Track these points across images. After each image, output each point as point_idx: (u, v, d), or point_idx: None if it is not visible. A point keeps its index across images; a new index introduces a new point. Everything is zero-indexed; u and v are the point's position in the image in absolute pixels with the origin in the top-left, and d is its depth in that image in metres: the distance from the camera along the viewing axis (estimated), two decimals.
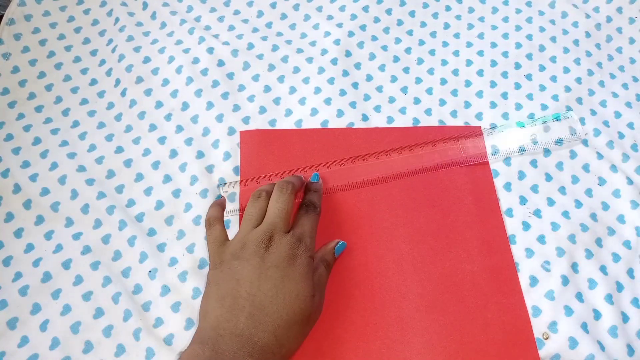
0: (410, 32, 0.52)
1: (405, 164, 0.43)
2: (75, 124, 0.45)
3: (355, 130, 0.45)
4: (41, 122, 0.45)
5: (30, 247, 0.39)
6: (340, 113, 0.46)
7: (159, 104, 0.46)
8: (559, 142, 0.44)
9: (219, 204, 0.41)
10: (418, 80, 0.49)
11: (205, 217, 0.40)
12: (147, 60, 0.48)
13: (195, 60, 0.48)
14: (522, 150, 0.44)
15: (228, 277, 0.34)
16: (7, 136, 0.44)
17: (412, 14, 0.53)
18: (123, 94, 0.46)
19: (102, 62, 0.48)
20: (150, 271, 0.38)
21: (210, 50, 0.48)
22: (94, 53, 0.49)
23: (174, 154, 0.43)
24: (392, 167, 0.43)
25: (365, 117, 0.46)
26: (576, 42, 0.51)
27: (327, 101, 0.46)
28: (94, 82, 0.47)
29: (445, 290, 0.38)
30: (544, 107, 0.47)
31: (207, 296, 0.34)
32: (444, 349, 0.36)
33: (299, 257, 0.34)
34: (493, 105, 0.47)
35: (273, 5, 0.53)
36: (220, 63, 0.48)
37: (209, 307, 0.33)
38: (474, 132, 0.45)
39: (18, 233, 0.40)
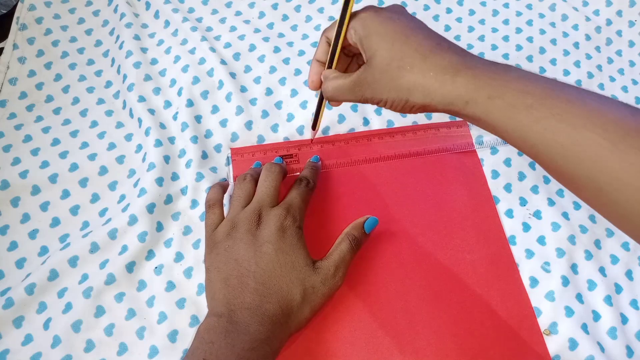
0: None
1: (389, 148, 0.44)
2: (94, 124, 0.45)
3: (337, 136, 0.45)
4: (59, 123, 0.45)
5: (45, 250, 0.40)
6: (341, 118, 0.46)
7: (167, 104, 0.46)
8: None
9: (221, 186, 0.40)
10: None
11: (206, 198, 0.40)
12: (154, 61, 0.49)
13: (201, 61, 0.48)
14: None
15: (225, 259, 0.34)
16: (26, 137, 0.44)
17: None
18: (130, 89, 0.46)
19: (113, 61, 0.49)
20: (156, 267, 0.38)
21: (212, 50, 0.48)
22: (105, 54, 0.49)
23: (182, 152, 0.43)
24: (377, 150, 0.44)
25: (366, 122, 0.46)
26: (576, 45, 0.51)
27: (328, 105, 0.46)
28: (109, 84, 0.48)
29: (448, 280, 0.39)
30: None
31: (210, 281, 0.34)
32: (454, 337, 0.36)
33: (288, 228, 0.35)
34: None
35: (274, 7, 0.53)
36: (223, 63, 0.48)
37: (215, 289, 0.33)
38: (458, 124, 0.46)
39: (33, 234, 0.40)
